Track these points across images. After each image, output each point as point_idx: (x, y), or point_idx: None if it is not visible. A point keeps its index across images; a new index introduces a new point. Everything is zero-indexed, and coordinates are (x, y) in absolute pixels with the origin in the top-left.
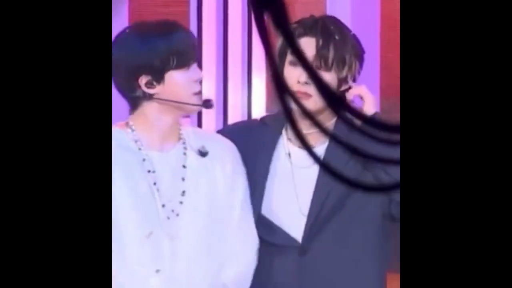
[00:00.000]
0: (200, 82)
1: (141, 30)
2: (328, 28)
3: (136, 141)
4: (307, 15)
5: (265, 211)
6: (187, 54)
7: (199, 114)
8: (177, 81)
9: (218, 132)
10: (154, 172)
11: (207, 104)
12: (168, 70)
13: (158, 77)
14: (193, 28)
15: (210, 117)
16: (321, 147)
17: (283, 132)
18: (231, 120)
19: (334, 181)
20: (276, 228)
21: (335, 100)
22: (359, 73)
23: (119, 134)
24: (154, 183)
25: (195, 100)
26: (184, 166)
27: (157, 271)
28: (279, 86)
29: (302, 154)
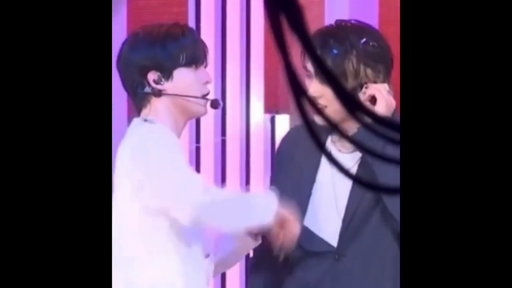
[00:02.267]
0: (207, 85)
1: (152, 31)
2: (327, 43)
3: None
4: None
5: (307, 218)
6: (196, 54)
7: None
8: (185, 78)
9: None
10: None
11: (215, 103)
12: (177, 67)
13: (167, 73)
14: None
15: (209, 117)
16: (356, 152)
17: (329, 136)
18: (229, 120)
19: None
20: (314, 236)
21: (352, 103)
22: (385, 76)
23: (164, 130)
24: None
25: (202, 101)
26: None
27: (207, 255)
28: (295, 90)
29: (342, 157)
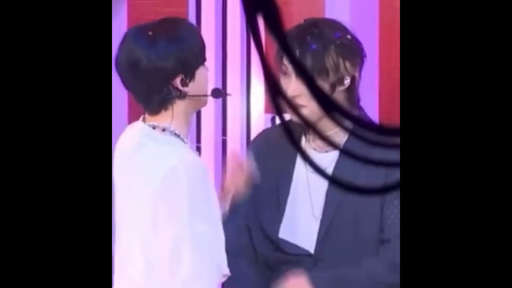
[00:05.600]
0: None
1: (162, 30)
2: (304, 40)
3: (185, 143)
4: (305, 14)
5: (284, 222)
6: (205, 49)
7: (198, 115)
8: (203, 76)
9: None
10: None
11: (216, 92)
12: (198, 66)
13: (190, 74)
14: None
15: (209, 117)
16: (333, 151)
17: (303, 135)
18: (229, 120)
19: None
20: (291, 242)
21: (329, 104)
22: (359, 68)
23: (175, 140)
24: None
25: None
26: None
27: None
28: (273, 91)
29: (317, 157)
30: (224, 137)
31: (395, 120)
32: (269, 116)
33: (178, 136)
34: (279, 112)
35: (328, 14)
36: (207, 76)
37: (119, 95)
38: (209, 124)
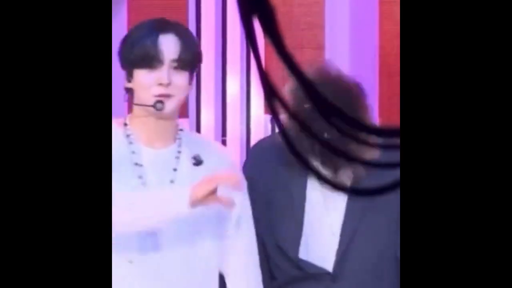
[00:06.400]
0: (167, 86)
1: (136, 26)
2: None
3: (127, 135)
4: (306, 14)
5: (303, 240)
6: (153, 56)
7: (198, 115)
8: (140, 79)
9: (251, 149)
10: (141, 165)
11: (156, 105)
12: (133, 67)
13: (129, 73)
14: (192, 29)
15: (209, 117)
16: None
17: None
18: (229, 120)
19: (365, 202)
20: (309, 260)
21: (326, 108)
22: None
23: (113, 130)
24: (140, 177)
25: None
26: (174, 169)
27: (130, 261)
28: (269, 93)
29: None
30: (224, 137)
31: (395, 120)
32: (269, 116)
33: (127, 136)
34: (275, 115)
35: (328, 15)
36: (146, 80)
37: (119, 95)
38: (209, 124)
